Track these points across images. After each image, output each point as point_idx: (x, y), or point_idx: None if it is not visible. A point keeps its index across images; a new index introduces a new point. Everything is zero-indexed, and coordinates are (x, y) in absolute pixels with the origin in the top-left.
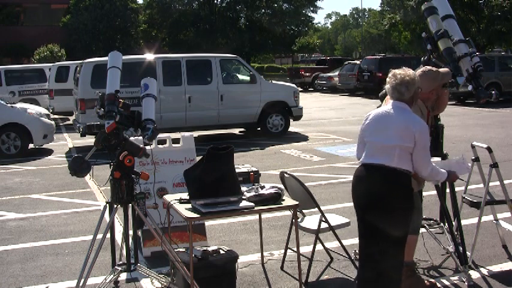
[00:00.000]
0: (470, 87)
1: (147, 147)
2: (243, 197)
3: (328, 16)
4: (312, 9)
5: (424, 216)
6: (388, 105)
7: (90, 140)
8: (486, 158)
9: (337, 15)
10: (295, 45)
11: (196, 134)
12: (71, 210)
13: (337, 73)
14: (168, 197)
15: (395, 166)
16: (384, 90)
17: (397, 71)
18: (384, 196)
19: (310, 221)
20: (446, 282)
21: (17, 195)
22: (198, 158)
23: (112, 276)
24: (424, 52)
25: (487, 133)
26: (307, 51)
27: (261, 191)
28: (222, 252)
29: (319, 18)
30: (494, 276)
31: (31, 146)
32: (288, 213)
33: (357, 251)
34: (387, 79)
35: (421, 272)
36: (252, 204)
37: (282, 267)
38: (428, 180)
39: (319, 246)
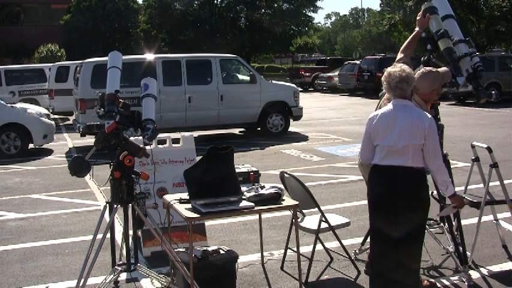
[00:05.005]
0: (470, 87)
1: (147, 147)
2: (243, 197)
3: (328, 16)
4: (312, 9)
5: None
6: (390, 105)
7: (90, 140)
8: (486, 158)
9: (336, 15)
10: (293, 45)
11: (196, 134)
12: (71, 210)
13: (337, 73)
14: (168, 197)
15: (411, 165)
16: (384, 90)
17: (391, 70)
18: (405, 195)
19: (310, 221)
20: (446, 282)
21: (17, 195)
22: (198, 158)
23: (112, 276)
24: (424, 52)
25: (487, 133)
26: (306, 51)
27: (261, 191)
28: (222, 252)
29: (319, 18)
30: (494, 276)
31: (31, 146)
32: (288, 213)
33: (357, 251)
34: (383, 79)
35: (421, 272)
36: (252, 204)
37: (282, 267)
38: (436, 180)
39: (319, 246)
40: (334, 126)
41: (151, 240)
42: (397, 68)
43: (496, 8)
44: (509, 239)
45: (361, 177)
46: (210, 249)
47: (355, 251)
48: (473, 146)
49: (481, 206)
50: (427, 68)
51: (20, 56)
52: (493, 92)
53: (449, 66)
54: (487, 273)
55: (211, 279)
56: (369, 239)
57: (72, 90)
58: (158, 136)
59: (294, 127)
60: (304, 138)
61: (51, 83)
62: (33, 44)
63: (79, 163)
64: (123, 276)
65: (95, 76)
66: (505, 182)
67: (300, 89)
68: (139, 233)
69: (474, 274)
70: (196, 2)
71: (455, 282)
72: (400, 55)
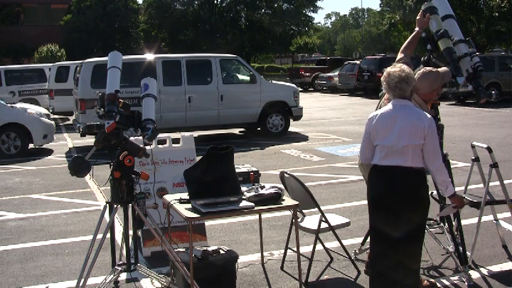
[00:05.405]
0: (470, 87)
1: (147, 147)
2: (243, 197)
3: (328, 16)
4: (312, 9)
5: None
6: (390, 105)
7: (90, 140)
8: (486, 158)
9: (336, 15)
10: (293, 45)
11: (196, 134)
12: (71, 210)
13: (337, 73)
14: (168, 197)
15: (411, 165)
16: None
17: (391, 70)
18: (405, 195)
19: (310, 221)
20: (446, 282)
21: (17, 195)
22: (198, 158)
23: (112, 276)
24: (424, 52)
25: (487, 133)
26: (306, 51)
27: (261, 191)
28: (222, 252)
29: (319, 18)
30: (494, 276)
31: (31, 146)
32: (288, 213)
33: (357, 251)
34: (382, 79)
35: (420, 272)
36: (252, 204)
37: (282, 267)
38: (435, 180)
39: (319, 246)
40: (334, 126)
41: (151, 240)
42: (397, 68)
43: (496, 8)
44: (509, 239)
45: (361, 177)
46: (210, 249)
47: (355, 251)
48: (473, 146)
49: (481, 206)
50: (427, 68)
51: (20, 56)
52: (493, 92)
53: (449, 66)
54: (487, 273)
55: (211, 279)
56: (369, 239)
57: (72, 90)
58: (158, 136)
59: (294, 127)
60: (304, 138)
61: (51, 83)
62: (33, 44)
63: (79, 163)
64: (123, 276)
65: (95, 76)
66: (505, 182)
67: (300, 89)
68: (139, 233)
69: (474, 274)
70: (196, 2)
71: (455, 282)
72: (400, 55)
